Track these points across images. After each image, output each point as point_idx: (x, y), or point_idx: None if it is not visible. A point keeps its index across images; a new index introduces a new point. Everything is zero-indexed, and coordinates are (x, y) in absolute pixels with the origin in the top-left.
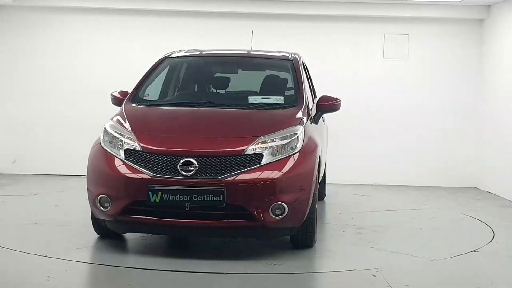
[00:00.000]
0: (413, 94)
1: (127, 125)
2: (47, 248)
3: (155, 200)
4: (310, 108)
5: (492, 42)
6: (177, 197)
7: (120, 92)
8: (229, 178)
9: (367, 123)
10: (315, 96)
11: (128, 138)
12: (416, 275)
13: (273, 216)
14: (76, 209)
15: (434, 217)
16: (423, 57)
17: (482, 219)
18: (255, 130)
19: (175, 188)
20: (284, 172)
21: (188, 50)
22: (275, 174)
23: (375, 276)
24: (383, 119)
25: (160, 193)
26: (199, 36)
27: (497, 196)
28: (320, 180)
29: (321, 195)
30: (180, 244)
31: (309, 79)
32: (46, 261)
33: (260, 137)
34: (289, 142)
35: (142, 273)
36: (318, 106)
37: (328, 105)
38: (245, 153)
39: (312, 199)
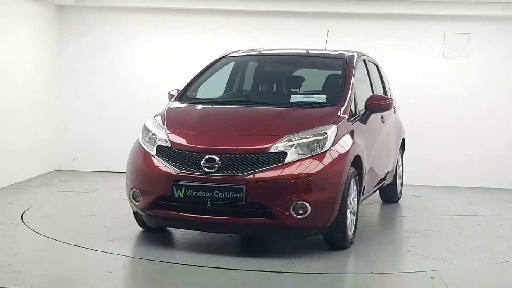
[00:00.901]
0: (474, 94)
1: (164, 122)
2: (107, 243)
3: (179, 195)
4: (355, 107)
5: None
6: (200, 193)
7: (176, 91)
8: (250, 176)
9: (427, 123)
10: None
11: (161, 134)
12: (474, 278)
13: (295, 215)
14: None
15: (491, 221)
16: (485, 56)
17: None
18: (282, 129)
19: (198, 184)
20: (307, 171)
21: (245, 50)
22: (298, 172)
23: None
24: (443, 119)
25: (183, 188)
26: (264, 36)
27: None
28: (384, 182)
29: (391, 197)
30: (226, 241)
31: (375, 79)
32: (105, 256)
33: (286, 136)
34: (316, 141)
35: (195, 270)
36: (366, 106)
37: (376, 104)
38: (269, 151)
39: (341, 199)
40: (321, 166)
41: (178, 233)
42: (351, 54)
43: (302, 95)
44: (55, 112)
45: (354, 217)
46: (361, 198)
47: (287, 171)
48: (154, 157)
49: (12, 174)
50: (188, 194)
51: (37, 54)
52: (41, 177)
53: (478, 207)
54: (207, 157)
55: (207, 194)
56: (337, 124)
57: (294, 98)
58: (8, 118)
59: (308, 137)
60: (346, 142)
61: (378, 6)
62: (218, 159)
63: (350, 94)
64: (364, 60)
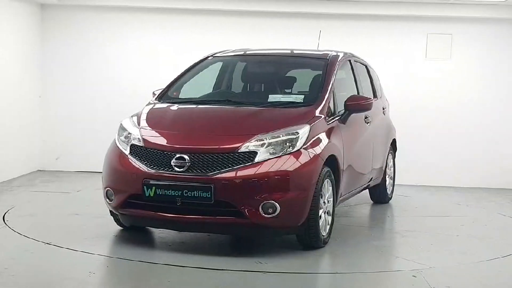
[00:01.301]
0: (456, 94)
1: (139, 121)
2: (89, 244)
3: (149, 194)
4: (335, 107)
5: None
6: (169, 192)
7: (161, 90)
8: (218, 175)
9: (409, 123)
10: (376, 97)
11: (135, 134)
12: (455, 277)
13: (264, 215)
14: None
15: (476, 219)
16: (467, 57)
17: None
18: (254, 128)
19: (167, 183)
20: (277, 170)
21: (231, 50)
22: (267, 172)
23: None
24: (425, 119)
25: (154, 187)
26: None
27: None
28: (369, 183)
29: (381, 198)
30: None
31: (363, 80)
32: (87, 256)
33: (257, 135)
34: (288, 140)
35: (178, 270)
36: (345, 106)
37: (355, 104)
38: (239, 151)
39: (312, 199)
40: (291, 165)
41: (157, 232)
42: (335, 54)
43: (280, 95)
44: (38, 112)
45: (330, 217)
46: (340, 198)
47: (256, 170)
48: (127, 156)
49: None
50: (158, 193)
51: (19, 53)
52: (23, 177)
53: (467, 208)
54: (177, 156)
55: (176, 193)
56: (310, 124)
57: (272, 98)
58: None
59: (279, 137)
60: (319, 142)
61: (362, 7)
62: (188, 158)
63: (328, 94)
64: (350, 61)
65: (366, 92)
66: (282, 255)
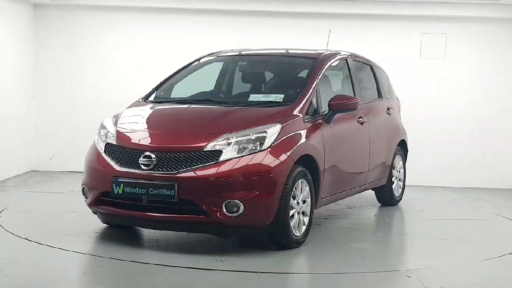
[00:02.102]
0: (450, 93)
1: (117, 121)
2: (83, 244)
3: (118, 192)
4: (318, 107)
5: None
6: (136, 190)
7: (150, 90)
8: (182, 174)
9: (404, 122)
10: (380, 97)
11: (111, 132)
12: (449, 277)
13: (228, 214)
14: None
15: (471, 219)
16: (461, 56)
17: None
18: (224, 127)
19: (134, 181)
20: (241, 169)
21: (225, 50)
22: (230, 170)
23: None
24: (420, 118)
25: (122, 185)
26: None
27: None
28: (365, 185)
29: (388, 200)
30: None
31: (364, 79)
32: (80, 256)
33: (224, 134)
34: (255, 140)
35: (171, 271)
36: (329, 106)
37: (339, 104)
38: (204, 150)
39: (281, 199)
40: (256, 165)
41: (145, 232)
42: (327, 54)
43: (261, 95)
44: (31, 112)
45: (307, 218)
46: (322, 199)
47: (220, 169)
48: (101, 154)
49: None
50: (126, 190)
51: (12, 53)
52: (17, 177)
53: (461, 208)
54: (144, 154)
55: (142, 191)
56: (282, 123)
57: (252, 97)
58: None
59: (247, 136)
60: (291, 141)
61: (356, 7)
62: (155, 156)
63: (310, 94)
64: (346, 60)
65: (368, 92)
66: (254, 254)
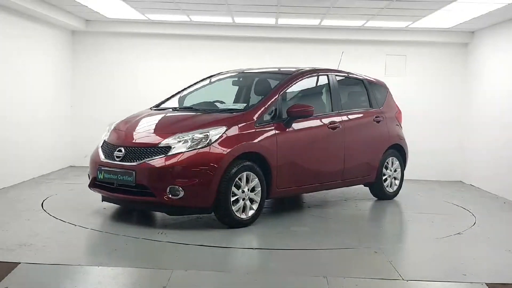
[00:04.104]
0: (409, 104)
1: (117, 123)
2: (110, 225)
3: (101, 177)
4: (277, 114)
5: (474, 61)
6: (110, 176)
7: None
8: (139, 164)
9: None
10: (371, 107)
11: (108, 132)
12: (409, 253)
13: (172, 196)
14: None
15: (424, 205)
16: (418, 74)
17: (466, 207)
18: (179, 128)
19: (109, 169)
20: (182, 161)
21: (230, 70)
22: (173, 162)
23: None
24: None
25: (103, 172)
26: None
27: (479, 188)
28: (336, 180)
29: (379, 194)
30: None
31: (346, 92)
32: (110, 236)
33: (176, 134)
34: (199, 138)
35: (183, 248)
36: (287, 113)
37: (296, 111)
38: (159, 145)
39: (220, 187)
40: (195, 158)
41: (159, 215)
42: (299, 71)
43: (230, 104)
44: (69, 119)
45: (256, 204)
46: (278, 190)
47: (167, 161)
48: (98, 148)
49: (33, 169)
50: (105, 176)
51: (54, 71)
52: (58, 172)
53: (420, 197)
54: (117, 149)
55: (114, 177)
56: (228, 126)
57: (221, 106)
58: (30, 123)
59: (193, 135)
60: (234, 140)
61: (334, 33)
62: (124, 150)
63: (268, 103)
64: (327, 76)
65: (353, 103)
66: (205, 230)
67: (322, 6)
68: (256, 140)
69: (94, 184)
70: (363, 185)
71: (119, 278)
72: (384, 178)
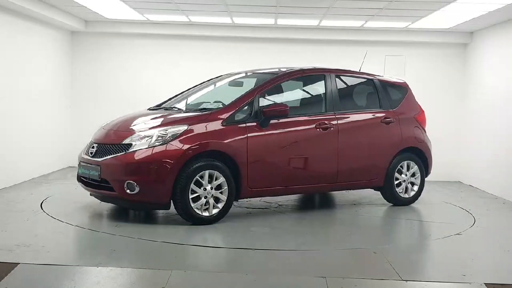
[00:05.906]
0: None
1: (108, 122)
2: (109, 226)
3: (80, 172)
4: (252, 113)
5: (473, 62)
6: (84, 171)
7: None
8: (103, 160)
9: None
10: (381, 107)
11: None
12: (408, 253)
13: (129, 192)
14: None
15: (423, 205)
16: (417, 74)
17: (465, 207)
18: (142, 127)
19: (84, 164)
20: (138, 158)
21: (234, 72)
22: (129, 158)
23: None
24: None
25: (81, 167)
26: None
27: (478, 189)
28: (331, 183)
29: (391, 199)
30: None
31: (358, 91)
32: (108, 237)
33: (138, 132)
34: (159, 136)
35: (189, 248)
36: (262, 113)
37: (269, 111)
38: (122, 143)
39: (177, 184)
40: (151, 155)
41: (161, 213)
42: (285, 72)
43: (210, 103)
44: (68, 119)
45: (222, 203)
46: (252, 189)
47: (125, 157)
48: (87, 145)
49: (33, 170)
50: (82, 171)
51: (53, 71)
52: (58, 172)
53: (427, 199)
54: (92, 145)
55: (87, 172)
56: (190, 125)
57: (204, 105)
58: (29, 124)
59: (152, 133)
60: (195, 139)
61: (334, 34)
62: (96, 147)
63: (241, 103)
64: (323, 76)
65: (357, 103)
66: (205, 231)
67: (321, 7)
68: (221, 139)
69: (79, 178)
70: (373, 190)
71: (118, 278)
72: (397, 182)
